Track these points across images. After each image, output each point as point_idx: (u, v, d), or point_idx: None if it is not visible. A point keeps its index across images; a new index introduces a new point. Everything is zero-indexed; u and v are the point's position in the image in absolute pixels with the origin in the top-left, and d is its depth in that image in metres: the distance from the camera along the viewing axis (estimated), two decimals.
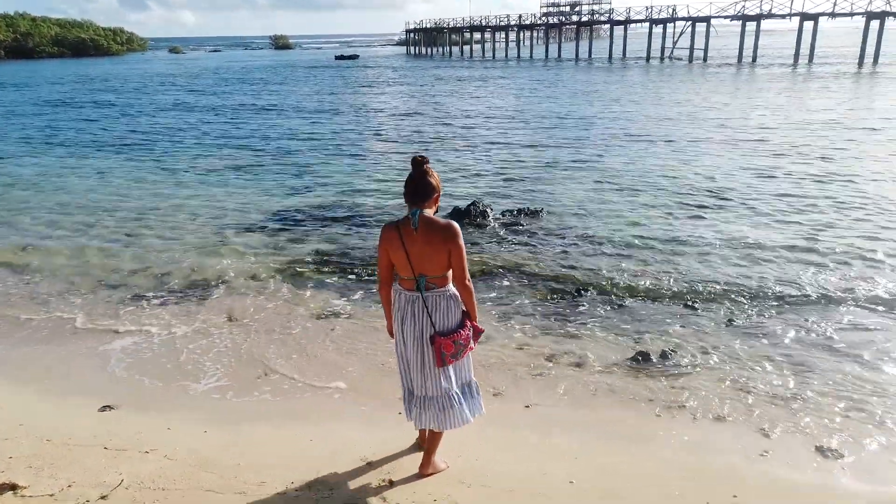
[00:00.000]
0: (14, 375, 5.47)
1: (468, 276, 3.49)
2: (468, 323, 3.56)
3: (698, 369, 5.48)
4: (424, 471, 3.85)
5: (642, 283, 7.53)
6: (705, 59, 49.11)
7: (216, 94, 33.68)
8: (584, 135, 18.79)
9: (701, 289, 7.30)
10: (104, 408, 4.85)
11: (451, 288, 3.53)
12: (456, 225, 3.39)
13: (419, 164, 3.40)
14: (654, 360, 5.65)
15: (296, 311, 6.94)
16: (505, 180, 13.23)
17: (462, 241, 3.40)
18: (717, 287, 7.33)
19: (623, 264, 8.15)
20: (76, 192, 12.78)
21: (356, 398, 5.07)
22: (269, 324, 6.57)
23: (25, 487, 3.70)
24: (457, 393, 3.64)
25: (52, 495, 3.62)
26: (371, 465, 3.98)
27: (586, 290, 7.31)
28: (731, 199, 11.27)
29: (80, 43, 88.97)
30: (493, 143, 17.84)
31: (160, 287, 7.60)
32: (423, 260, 3.38)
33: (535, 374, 5.48)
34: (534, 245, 8.92)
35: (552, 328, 6.41)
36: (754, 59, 46.87)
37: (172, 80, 44.75)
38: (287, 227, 10.08)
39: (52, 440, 4.28)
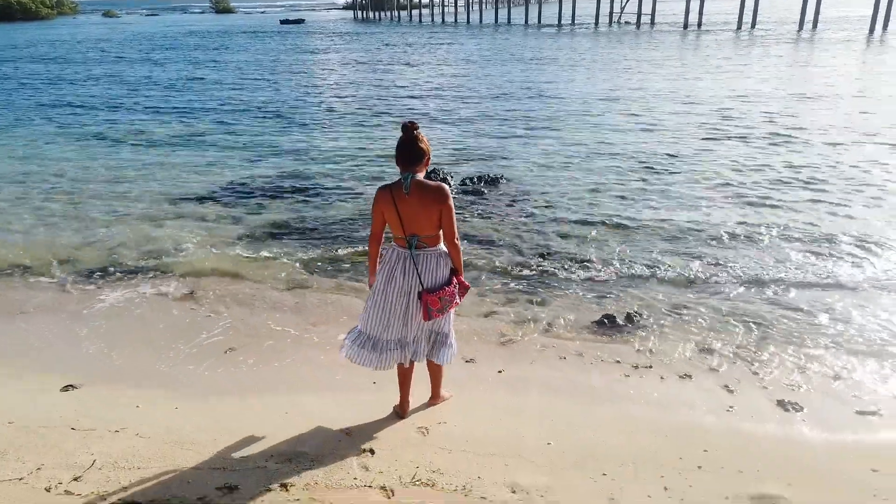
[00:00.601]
0: None
1: (457, 234, 3.72)
2: (455, 280, 3.78)
3: (663, 330, 5.63)
4: (435, 401, 4.35)
5: (604, 248, 7.65)
6: (653, 24, 49.55)
7: (156, 63, 32.29)
8: (536, 103, 18.81)
9: (661, 252, 7.46)
10: (66, 387, 4.70)
11: (441, 247, 3.75)
12: (446, 187, 3.59)
13: (410, 129, 3.57)
14: (620, 323, 5.77)
15: (259, 282, 6.81)
16: (459, 149, 13.13)
17: (452, 202, 3.61)
18: (678, 250, 7.51)
19: (584, 231, 8.25)
20: (6, 166, 12.13)
21: (329, 369, 5.03)
22: (233, 296, 6.44)
23: None
24: (435, 335, 3.97)
25: (21, 479, 3.51)
26: (351, 436, 3.98)
27: (550, 256, 7.39)
28: (684, 166, 11.49)
29: (5, 7, 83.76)
30: (446, 111, 17.69)
31: (114, 262, 7.34)
32: (414, 221, 3.59)
33: (505, 341, 5.54)
34: (496, 213, 8.94)
35: (518, 295, 6.46)
36: (700, 25, 47.53)
37: (108, 47, 42.69)
38: (242, 198, 9.84)
39: (15, 422, 4.13)
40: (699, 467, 3.66)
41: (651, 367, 5.05)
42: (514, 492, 3.41)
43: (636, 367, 5.03)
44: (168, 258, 7.42)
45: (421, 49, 37.53)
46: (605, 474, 3.57)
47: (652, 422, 4.23)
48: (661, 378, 4.87)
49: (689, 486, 3.47)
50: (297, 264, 7.29)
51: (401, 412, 4.24)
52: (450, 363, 4.12)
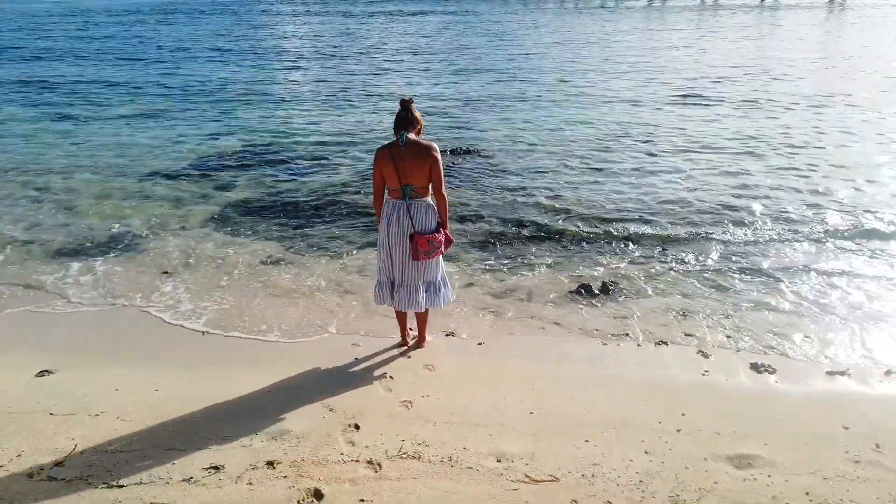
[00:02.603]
0: None
1: (444, 186, 4.28)
2: (442, 230, 4.36)
3: (638, 299, 5.72)
4: (420, 343, 4.91)
5: (578, 219, 7.71)
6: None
7: (111, 37, 31.30)
8: (505, 74, 18.73)
9: (637, 222, 7.55)
10: (42, 373, 4.61)
11: (430, 199, 4.34)
12: (435, 145, 4.20)
13: (406, 103, 4.20)
14: (596, 293, 5.84)
15: (232, 258, 6.73)
16: (430, 119, 13.06)
17: (440, 158, 4.22)
18: (651, 219, 7.60)
19: (558, 202, 8.30)
20: None
21: (307, 345, 5.02)
22: (206, 274, 6.36)
23: None
24: (431, 283, 4.53)
25: (1, 466, 3.45)
26: (334, 411, 3.99)
27: (526, 227, 7.43)
28: (658, 134, 11.58)
29: None
30: (411, 83, 17.52)
31: (84, 242, 7.17)
32: (408, 172, 4.16)
33: (485, 312, 5.58)
34: (471, 184, 8.93)
35: (495, 266, 6.50)
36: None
37: (56, 20, 41.12)
38: (211, 174, 9.68)
39: None
40: (678, 430, 3.74)
41: (628, 334, 5.14)
42: (499, 460, 3.46)
43: (613, 336, 5.12)
44: (138, 239, 7.28)
45: (382, 18, 36.97)
46: (587, 441, 3.64)
47: (631, 388, 4.31)
48: (638, 345, 4.96)
49: (669, 448, 3.56)
50: (272, 241, 7.22)
51: (403, 342, 4.92)
52: (448, 304, 4.71)
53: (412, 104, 4.22)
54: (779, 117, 12.71)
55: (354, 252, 6.90)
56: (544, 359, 4.81)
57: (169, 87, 17.12)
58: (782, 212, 7.68)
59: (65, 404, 4.11)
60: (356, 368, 4.64)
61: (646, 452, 3.53)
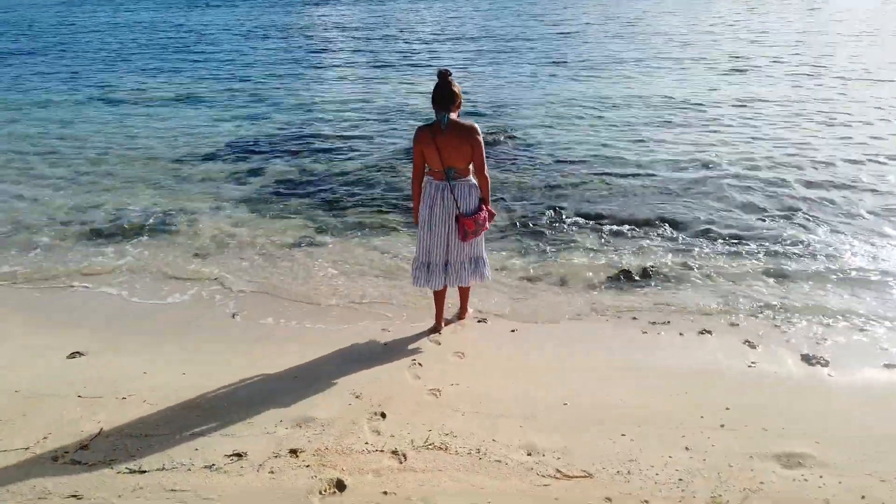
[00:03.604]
0: None
1: (486, 167, 4.28)
2: (484, 207, 4.35)
3: (681, 285, 5.47)
4: (463, 315, 4.97)
5: (616, 201, 7.44)
6: None
7: (144, 23, 31.69)
8: (540, 54, 18.32)
9: (677, 206, 7.25)
10: (73, 354, 4.61)
11: (471, 179, 4.33)
12: (478, 126, 4.16)
13: (444, 75, 4.07)
14: (636, 278, 5.61)
15: (265, 240, 6.67)
16: (470, 99, 12.80)
17: (482, 139, 4.18)
18: (693, 204, 7.29)
19: (595, 184, 8.03)
20: (8, 129, 11.93)
21: (339, 332, 4.91)
22: (240, 256, 6.31)
23: None
24: (473, 261, 4.55)
25: (27, 448, 3.44)
26: (360, 399, 3.88)
27: (561, 210, 7.19)
28: (698, 115, 11.16)
29: None
30: (444, 62, 17.26)
31: (119, 225, 7.20)
32: (450, 154, 4.14)
33: (518, 297, 5.40)
34: (504, 166, 8.71)
35: (530, 249, 6.30)
36: None
37: (91, 7, 41.60)
38: (246, 155, 9.65)
39: (21, 390, 4.05)
40: (721, 426, 3.53)
41: (669, 322, 4.90)
42: (529, 454, 3.31)
43: (654, 324, 4.89)
44: (172, 220, 7.28)
45: (414, 3, 36.61)
46: (623, 435, 3.45)
47: (671, 380, 4.10)
48: (680, 334, 4.72)
49: (712, 445, 3.35)
50: (306, 222, 7.14)
51: (436, 327, 4.80)
52: (489, 280, 4.77)
53: (451, 76, 4.09)
54: (846, 93, 12.12)
55: (389, 235, 6.77)
56: (579, 347, 4.62)
57: (206, 69, 17.21)
58: (838, 197, 7.27)
59: (93, 387, 4.09)
60: (385, 354, 4.52)
61: (686, 449, 3.33)
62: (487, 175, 4.31)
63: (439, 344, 4.65)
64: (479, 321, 5.03)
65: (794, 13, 26.02)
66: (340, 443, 3.42)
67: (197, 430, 3.58)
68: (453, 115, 4.13)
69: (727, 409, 3.69)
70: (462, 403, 3.80)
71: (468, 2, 35.03)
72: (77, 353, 4.64)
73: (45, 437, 3.54)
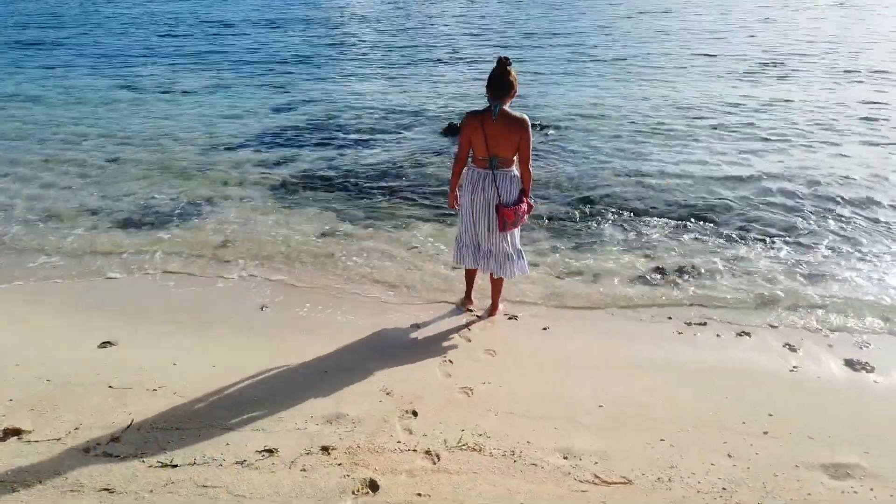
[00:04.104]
0: (5, 312, 5.18)
1: (531, 160, 4.29)
2: (525, 199, 4.35)
3: (717, 285, 5.33)
4: (494, 312, 4.90)
5: (649, 198, 7.29)
6: None
7: (168, 14, 31.82)
8: (574, 45, 18.08)
9: (713, 204, 7.08)
10: (104, 344, 4.61)
11: (514, 170, 4.32)
12: (527, 118, 4.13)
13: (503, 63, 4.00)
14: (671, 276, 5.49)
15: (293, 231, 6.63)
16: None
17: (531, 132, 4.17)
18: (730, 203, 7.11)
19: (627, 180, 7.88)
20: (36, 115, 12.00)
21: (366, 323, 4.85)
22: (266, 246, 6.27)
23: (30, 432, 3.49)
24: (511, 253, 4.52)
25: (58, 439, 3.43)
26: (391, 395, 3.82)
27: (593, 204, 7.07)
28: (733, 116, 10.92)
29: None
30: (470, 54, 17.10)
31: (148, 214, 7.21)
32: (497, 144, 4.12)
33: (549, 294, 5.30)
34: (540, 159, 8.57)
35: (561, 244, 6.19)
36: None
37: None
38: (273, 146, 9.63)
39: (53, 380, 4.05)
40: (765, 433, 3.41)
41: (705, 323, 4.78)
42: (565, 458, 3.22)
43: (690, 324, 4.77)
44: (200, 209, 7.27)
45: None
46: (662, 440, 3.35)
47: (709, 382, 3.98)
48: (718, 335, 4.60)
49: (756, 453, 3.24)
50: (333, 214, 7.09)
51: (464, 305, 4.99)
52: (526, 274, 4.75)
53: (510, 65, 4.02)
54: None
55: (418, 228, 6.69)
56: (613, 346, 4.52)
57: (233, 60, 17.20)
58: (885, 200, 7.05)
59: (124, 377, 4.07)
60: (414, 350, 4.46)
61: (729, 456, 3.22)
62: (531, 169, 4.31)
63: (469, 341, 4.58)
64: (509, 318, 4.94)
65: (827, 10, 25.40)
66: (372, 441, 3.36)
67: (227, 424, 3.54)
68: (506, 106, 4.09)
69: (770, 414, 3.58)
70: (495, 403, 3.73)
71: None
72: (107, 342, 4.64)
73: (76, 428, 3.52)
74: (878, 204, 6.85)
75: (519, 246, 4.59)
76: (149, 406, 3.74)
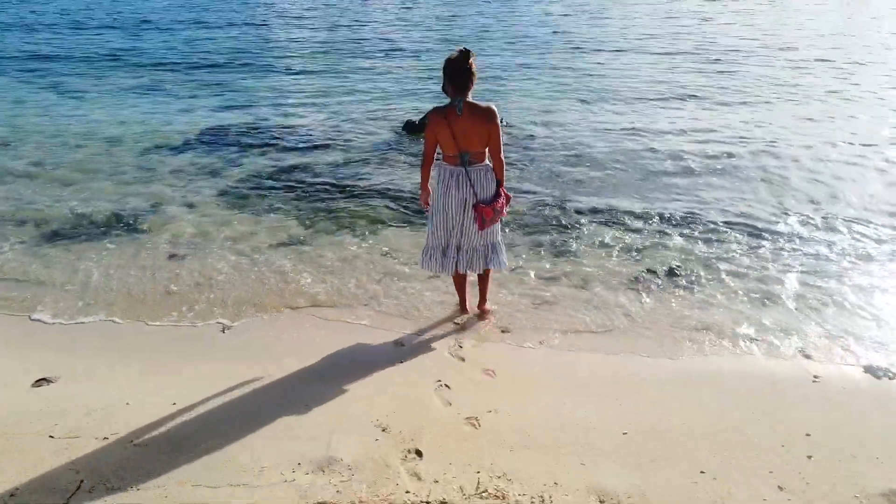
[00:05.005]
0: None
1: (502, 151, 4.07)
2: (502, 192, 4.14)
3: (718, 287, 5.05)
4: (483, 307, 4.68)
5: (630, 193, 7.02)
6: None
7: (96, 9, 30.07)
8: (528, 42, 17.83)
9: (700, 199, 6.87)
10: (39, 381, 3.95)
11: (487, 163, 4.10)
12: (494, 107, 3.94)
13: (466, 54, 3.79)
14: (663, 278, 5.19)
15: (247, 239, 6.05)
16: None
17: (499, 122, 3.99)
18: (719, 196, 6.90)
19: (605, 175, 7.60)
20: None
21: (343, 343, 4.34)
22: (221, 259, 5.66)
23: None
24: (496, 243, 4.36)
25: None
26: (388, 432, 3.34)
27: (567, 204, 6.73)
28: (713, 99, 10.83)
29: None
30: (419, 52, 16.63)
31: (82, 224, 6.46)
32: (466, 138, 3.92)
33: (539, 303, 4.91)
34: (511, 158, 8.18)
35: (542, 246, 5.82)
36: None
37: None
38: (219, 147, 8.92)
39: None
40: (809, 457, 3.10)
41: (709, 329, 4.48)
42: (602, 501, 2.82)
43: (695, 330, 4.46)
44: (142, 217, 6.58)
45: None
46: (703, 472, 3.00)
47: (732, 398, 3.68)
48: (727, 343, 4.30)
49: (807, 483, 2.92)
50: (289, 219, 6.53)
51: (462, 310, 4.70)
52: (505, 268, 4.59)
53: (473, 57, 3.82)
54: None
55: (385, 231, 6.21)
56: (618, 360, 4.17)
57: (168, 58, 16.13)
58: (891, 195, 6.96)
59: (67, 423, 3.46)
60: (403, 373, 4.00)
61: (780, 488, 2.89)
62: (503, 159, 4.09)
63: (463, 360, 4.14)
64: (502, 331, 4.53)
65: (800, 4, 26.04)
66: (376, 492, 2.88)
67: (199, 480, 2.99)
68: (469, 98, 3.91)
69: (808, 434, 3.28)
70: (507, 435, 3.30)
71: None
72: (44, 379, 3.99)
73: (11, 496, 2.91)
74: (889, 203, 6.74)
75: (497, 239, 4.39)
76: (100, 460, 3.15)
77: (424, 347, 4.31)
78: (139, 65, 15.20)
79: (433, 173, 4.20)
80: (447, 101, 3.93)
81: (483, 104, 3.89)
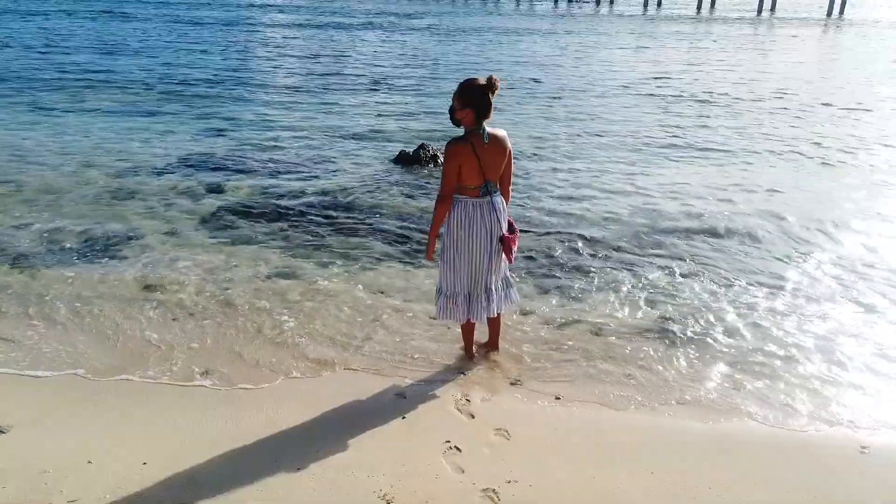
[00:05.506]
0: None
1: None
2: (511, 223, 3.96)
3: (738, 340, 4.68)
4: (495, 348, 4.42)
5: (638, 231, 6.71)
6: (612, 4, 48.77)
7: (84, 26, 29.67)
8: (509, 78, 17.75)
9: (714, 240, 6.57)
10: None
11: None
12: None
13: (495, 83, 3.58)
14: (684, 329, 4.81)
15: (231, 271, 5.60)
16: (441, 122, 11.89)
17: None
18: (726, 248, 6.60)
19: (610, 210, 7.29)
20: None
21: (337, 397, 3.90)
22: (204, 295, 5.20)
23: None
24: (508, 277, 4.19)
25: None
26: None
27: (576, 239, 6.40)
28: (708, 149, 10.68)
29: None
30: (408, 85, 16.44)
31: (53, 250, 5.97)
32: (491, 168, 3.73)
33: (551, 352, 4.49)
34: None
35: (551, 288, 5.45)
36: (659, 4, 47.05)
37: (22, 7, 38.74)
38: (202, 172, 8.48)
39: None
40: None
41: (739, 389, 4.09)
42: None
43: (726, 389, 4.07)
44: (121, 247, 6.09)
45: (360, 29, 35.91)
46: None
47: (781, 468, 3.29)
48: (761, 406, 3.92)
49: None
50: (275, 251, 6.09)
51: (468, 357, 4.35)
52: (518, 304, 4.40)
53: (499, 83, 3.63)
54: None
55: (378, 267, 5.80)
56: (643, 420, 3.76)
57: (151, 80, 15.70)
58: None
59: (19, 486, 2.97)
60: (407, 431, 3.56)
61: None
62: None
63: (473, 417, 3.72)
64: (511, 383, 4.12)
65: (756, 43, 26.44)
66: None
67: None
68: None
69: None
70: None
71: (417, 25, 34.44)
72: None
73: None
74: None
75: (507, 272, 4.20)
76: None
77: (428, 400, 3.89)
78: (119, 85, 14.74)
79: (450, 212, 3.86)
80: (459, 131, 3.73)
81: (500, 131, 3.76)
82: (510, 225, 3.95)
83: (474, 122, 3.62)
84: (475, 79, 3.61)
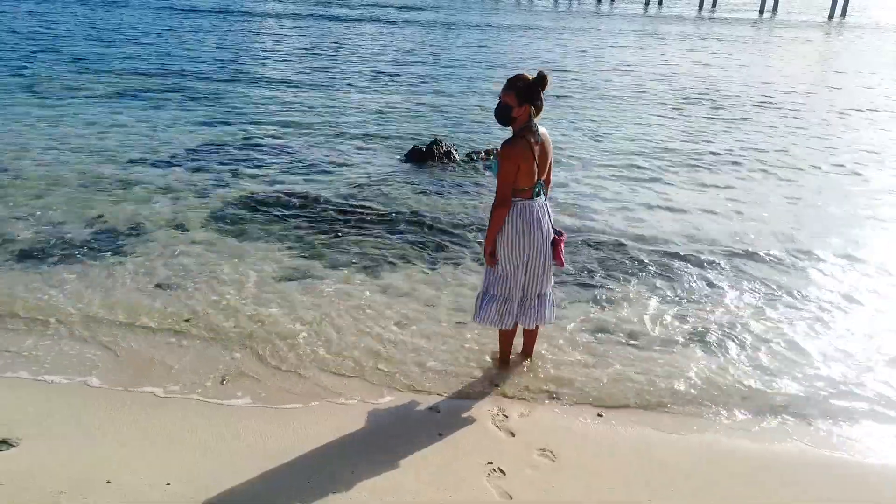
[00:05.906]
0: None
1: None
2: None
3: (787, 352, 4.46)
4: (529, 356, 4.23)
5: (679, 230, 6.48)
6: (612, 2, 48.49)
7: (82, 12, 29.17)
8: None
9: (767, 243, 6.35)
10: (0, 444, 3.22)
11: None
12: None
13: (546, 78, 3.42)
14: (731, 340, 4.59)
15: (241, 271, 5.35)
16: (449, 118, 11.62)
17: None
18: (786, 244, 6.39)
19: (633, 217, 7.07)
20: None
21: (372, 412, 3.68)
22: (214, 291, 4.95)
23: None
24: (550, 292, 3.97)
25: None
26: None
27: (609, 247, 6.15)
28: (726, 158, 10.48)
29: None
30: (414, 82, 16.15)
31: (55, 242, 5.69)
32: (542, 166, 3.59)
33: (589, 363, 4.27)
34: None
35: (579, 295, 5.21)
36: (660, 3, 46.80)
37: None
38: (209, 164, 8.20)
39: None
40: None
41: (793, 405, 3.88)
42: None
43: (779, 407, 3.86)
44: (123, 241, 5.84)
45: (360, 26, 35.55)
46: None
47: (838, 491, 3.09)
48: (808, 423, 3.71)
49: None
50: (289, 250, 5.84)
51: (503, 365, 4.15)
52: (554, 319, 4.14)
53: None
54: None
55: (404, 269, 5.55)
56: (695, 440, 3.56)
57: (156, 67, 15.34)
58: None
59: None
60: (446, 451, 3.35)
61: None
62: None
63: (514, 435, 3.51)
64: (550, 396, 3.90)
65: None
66: None
67: None
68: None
69: None
70: None
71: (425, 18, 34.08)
72: (4, 441, 3.24)
73: None
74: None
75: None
76: None
77: (464, 414, 3.67)
78: (123, 72, 14.36)
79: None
80: (507, 130, 3.58)
81: (543, 129, 3.59)
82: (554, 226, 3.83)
83: (526, 118, 3.46)
84: (525, 74, 3.43)
